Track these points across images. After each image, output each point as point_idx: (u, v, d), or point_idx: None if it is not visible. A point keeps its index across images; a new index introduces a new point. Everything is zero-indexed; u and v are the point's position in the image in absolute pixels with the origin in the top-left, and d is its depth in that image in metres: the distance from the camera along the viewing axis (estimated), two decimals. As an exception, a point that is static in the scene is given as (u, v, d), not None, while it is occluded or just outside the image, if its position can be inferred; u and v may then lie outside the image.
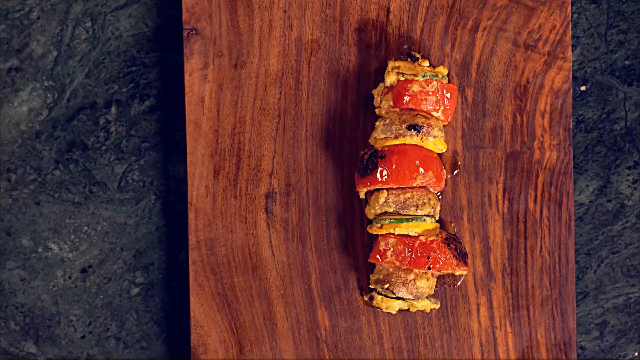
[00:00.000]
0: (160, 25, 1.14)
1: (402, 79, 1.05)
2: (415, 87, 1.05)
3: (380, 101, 1.07)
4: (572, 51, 1.12)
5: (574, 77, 1.12)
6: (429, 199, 1.05)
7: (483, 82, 1.09)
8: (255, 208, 1.10)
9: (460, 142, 1.09)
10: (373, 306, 1.09)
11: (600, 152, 1.13)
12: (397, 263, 1.04)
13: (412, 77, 1.05)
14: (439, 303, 1.08)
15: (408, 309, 1.08)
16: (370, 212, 1.06)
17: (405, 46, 1.09)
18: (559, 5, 1.08)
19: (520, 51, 1.08)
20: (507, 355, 1.09)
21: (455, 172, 1.09)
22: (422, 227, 1.05)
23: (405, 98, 1.05)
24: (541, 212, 1.09)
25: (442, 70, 1.06)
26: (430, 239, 1.04)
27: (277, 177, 1.10)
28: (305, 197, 1.10)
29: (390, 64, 1.06)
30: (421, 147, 1.05)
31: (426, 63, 1.07)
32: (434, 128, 1.04)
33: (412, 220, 1.05)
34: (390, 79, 1.06)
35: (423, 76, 1.05)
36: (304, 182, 1.10)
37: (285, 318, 1.10)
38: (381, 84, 1.07)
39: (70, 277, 1.14)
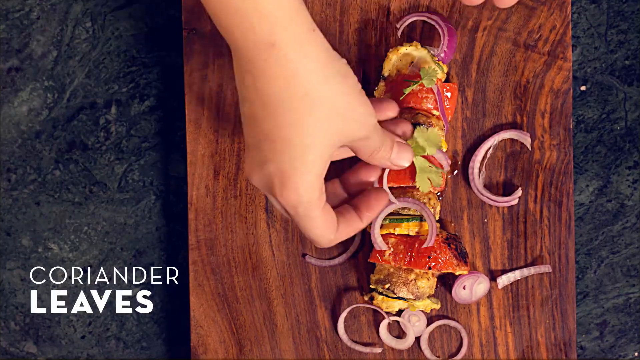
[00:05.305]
0: (160, 25, 1.14)
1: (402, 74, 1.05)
2: (415, 86, 1.04)
3: (380, 101, 1.07)
4: (572, 51, 1.12)
5: (574, 77, 1.12)
6: (429, 199, 1.05)
7: (483, 82, 1.09)
8: (255, 208, 1.10)
9: (460, 142, 1.09)
10: (373, 306, 1.09)
11: (600, 152, 1.13)
12: (398, 263, 1.04)
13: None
14: (440, 303, 1.08)
15: (408, 309, 1.08)
16: (370, 212, 1.06)
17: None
18: (559, 5, 1.08)
19: (520, 51, 1.08)
20: (507, 355, 1.09)
21: (455, 172, 1.09)
22: (422, 227, 1.05)
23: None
24: (541, 212, 1.09)
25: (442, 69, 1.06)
26: (431, 238, 1.04)
27: (277, 177, 1.10)
28: (305, 197, 1.10)
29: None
30: (421, 146, 1.05)
31: (426, 63, 1.07)
32: (434, 127, 1.04)
33: (412, 220, 1.05)
34: (389, 66, 1.05)
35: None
36: (304, 182, 1.10)
37: (285, 318, 1.10)
38: (382, 84, 1.07)
39: (70, 277, 1.14)
